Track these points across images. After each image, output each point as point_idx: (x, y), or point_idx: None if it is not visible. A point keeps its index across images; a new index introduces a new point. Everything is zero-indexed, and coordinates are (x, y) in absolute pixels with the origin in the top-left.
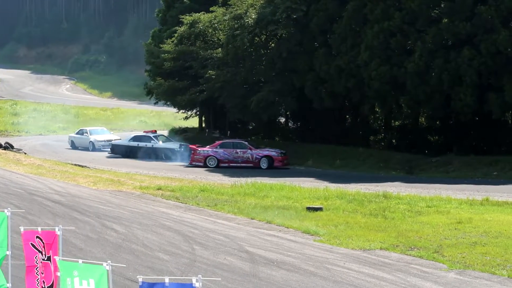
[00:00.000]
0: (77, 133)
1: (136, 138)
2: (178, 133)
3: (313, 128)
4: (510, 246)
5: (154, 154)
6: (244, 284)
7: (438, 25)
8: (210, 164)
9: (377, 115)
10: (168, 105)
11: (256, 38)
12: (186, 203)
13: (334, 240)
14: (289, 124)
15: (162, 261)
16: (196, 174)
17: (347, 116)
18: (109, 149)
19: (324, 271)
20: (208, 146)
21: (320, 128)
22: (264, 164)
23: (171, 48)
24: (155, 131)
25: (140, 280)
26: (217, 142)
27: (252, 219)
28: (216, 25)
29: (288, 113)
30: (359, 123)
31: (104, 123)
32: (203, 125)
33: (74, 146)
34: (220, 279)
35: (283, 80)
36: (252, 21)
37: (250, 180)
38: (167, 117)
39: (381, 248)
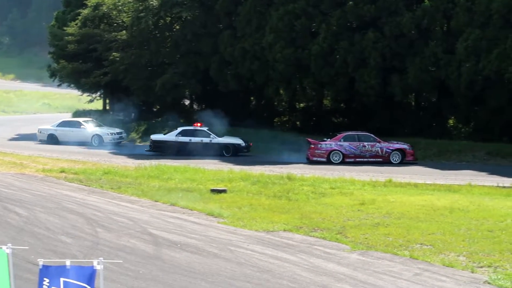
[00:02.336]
0: (60, 125)
1: (186, 133)
2: (82, 115)
3: (218, 110)
4: (412, 227)
5: (212, 150)
6: (147, 266)
7: (343, 7)
8: (334, 159)
9: (282, 97)
10: (72, 87)
11: (161, 20)
12: (89, 186)
13: (238, 222)
14: (194, 106)
15: (65, 244)
16: (100, 157)
17: (252, 98)
18: (113, 144)
19: (227, 253)
20: (329, 139)
21: (225, 110)
22: (395, 159)
23: (75, 31)
24: (202, 124)
25: (41, 263)
26: (339, 135)
27: (156, 201)
28: (120, 7)
29: (193, 96)
30: (263, 105)
31: (6, 106)
32: (108, 107)
33: (54, 140)
34: (122, 261)
35: (188, 62)
36: (156, 3)
37: (154, 162)
38: (72, 100)
39: (284, 230)
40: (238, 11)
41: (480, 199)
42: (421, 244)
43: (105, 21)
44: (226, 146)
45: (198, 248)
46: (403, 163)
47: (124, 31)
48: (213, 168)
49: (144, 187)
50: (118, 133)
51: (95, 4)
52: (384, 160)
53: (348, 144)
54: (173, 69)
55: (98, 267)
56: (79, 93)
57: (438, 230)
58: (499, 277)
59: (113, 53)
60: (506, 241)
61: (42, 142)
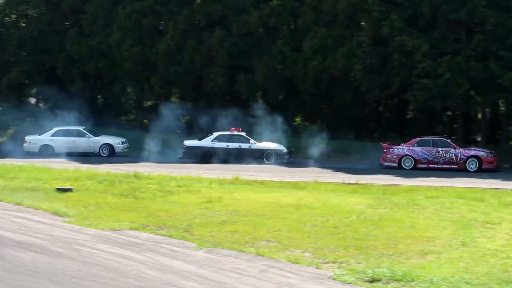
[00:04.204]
0: (56, 135)
1: (222, 138)
2: None
3: (65, 108)
4: (258, 224)
5: (251, 157)
6: None
7: (191, 6)
8: (405, 165)
9: (129, 95)
10: None
11: (6, 17)
12: None
13: (83, 221)
14: (40, 105)
15: None
16: None
17: (99, 96)
18: (123, 153)
19: (73, 252)
20: (403, 144)
21: (72, 108)
22: (472, 166)
23: None
24: (240, 129)
25: None
26: (414, 140)
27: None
28: None
29: (39, 94)
30: (111, 103)
31: None
32: None
33: (49, 152)
34: None
35: (34, 60)
36: (2, 0)
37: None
38: None
39: (131, 228)
40: (85, 9)
41: (326, 195)
42: (267, 241)
43: None
44: (267, 152)
45: (43, 247)
46: (481, 171)
47: None
48: (60, 167)
49: None
50: (126, 142)
51: None
52: (459, 167)
53: (421, 149)
54: (19, 67)
55: None
56: None
57: (284, 227)
58: (343, 272)
59: None
60: (350, 237)
61: (31, 154)
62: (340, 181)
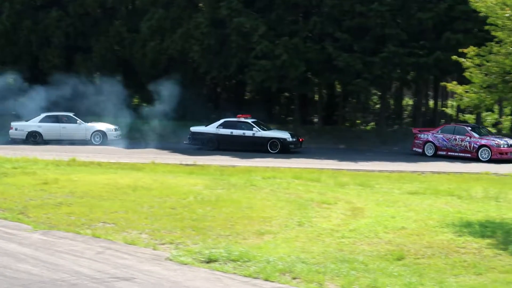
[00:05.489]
0: (44, 121)
1: (227, 125)
2: None
3: None
4: (95, 205)
5: (255, 145)
6: None
7: None
8: (427, 152)
9: None
10: None
11: None
12: None
13: None
14: None
15: None
16: None
17: None
18: (116, 141)
19: None
20: (432, 131)
21: None
22: (484, 156)
23: None
24: (247, 116)
25: None
26: (441, 126)
27: None
28: None
29: None
30: None
31: None
32: None
33: (37, 139)
34: None
35: None
36: None
37: None
38: None
39: None
40: None
41: (163, 177)
42: (104, 222)
43: None
44: (272, 141)
45: None
46: (491, 160)
47: None
48: None
49: None
50: (118, 129)
51: None
52: (472, 156)
53: (442, 136)
54: None
55: None
56: None
57: (121, 208)
58: (180, 253)
59: None
60: (188, 218)
61: (19, 141)
62: (178, 162)
